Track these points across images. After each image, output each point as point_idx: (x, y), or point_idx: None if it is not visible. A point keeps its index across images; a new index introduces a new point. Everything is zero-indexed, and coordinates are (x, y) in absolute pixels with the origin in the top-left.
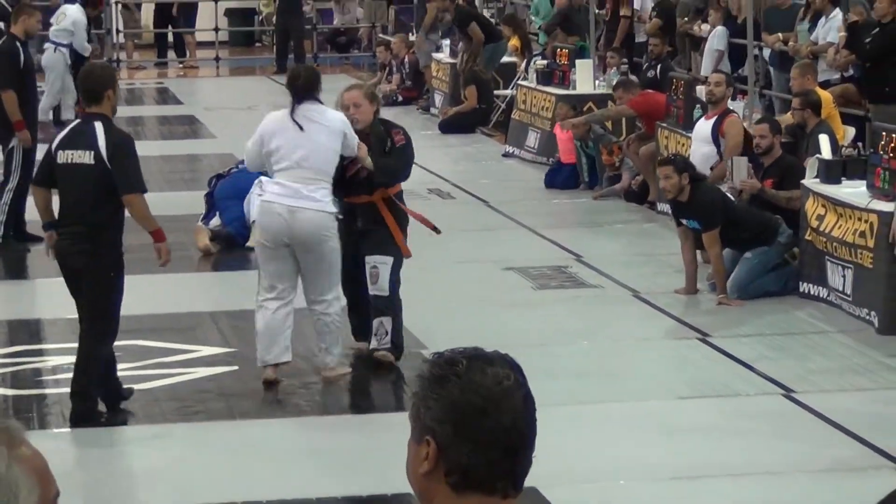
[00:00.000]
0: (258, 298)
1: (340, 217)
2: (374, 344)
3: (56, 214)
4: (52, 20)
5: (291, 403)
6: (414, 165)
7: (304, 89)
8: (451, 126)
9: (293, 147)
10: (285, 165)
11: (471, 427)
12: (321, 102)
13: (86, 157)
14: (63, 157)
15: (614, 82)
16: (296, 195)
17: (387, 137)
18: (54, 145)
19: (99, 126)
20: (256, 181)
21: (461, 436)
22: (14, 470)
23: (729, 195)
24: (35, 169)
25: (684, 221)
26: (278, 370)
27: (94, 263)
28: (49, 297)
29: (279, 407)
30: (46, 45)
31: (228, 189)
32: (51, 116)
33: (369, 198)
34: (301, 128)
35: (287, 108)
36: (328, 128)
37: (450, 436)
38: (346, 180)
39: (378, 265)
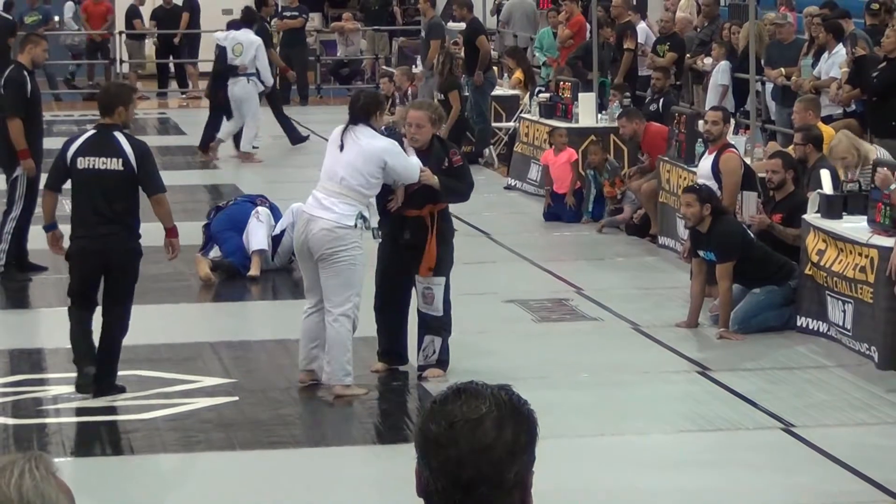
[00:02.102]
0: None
1: (378, 237)
2: (420, 360)
3: (75, 216)
4: (230, 52)
5: (293, 434)
6: None
7: (358, 112)
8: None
9: (332, 163)
10: (322, 178)
11: (427, 454)
12: (373, 128)
13: (114, 164)
14: (85, 163)
15: (616, 116)
16: (317, 205)
17: (444, 156)
18: (71, 153)
19: (120, 136)
20: (253, 212)
21: (423, 461)
22: (61, 498)
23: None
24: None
25: (701, 253)
26: (313, 374)
27: (134, 258)
28: (50, 326)
29: (280, 437)
30: (233, 78)
31: (225, 221)
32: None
33: (418, 212)
34: (342, 147)
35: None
36: (365, 152)
37: (418, 460)
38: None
39: (433, 287)
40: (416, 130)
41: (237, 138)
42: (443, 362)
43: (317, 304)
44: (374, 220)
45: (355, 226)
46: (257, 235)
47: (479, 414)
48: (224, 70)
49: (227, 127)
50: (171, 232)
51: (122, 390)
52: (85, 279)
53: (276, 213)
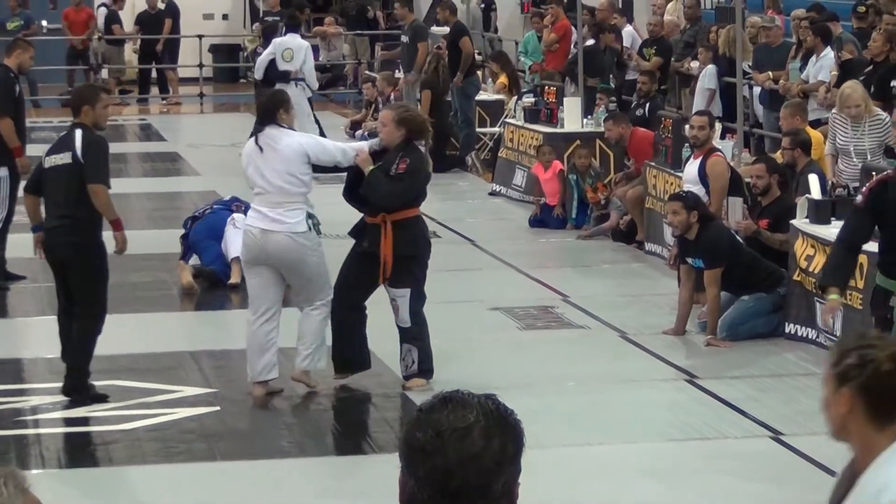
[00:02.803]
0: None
1: (319, 232)
2: (402, 370)
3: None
4: (279, 58)
5: (275, 445)
6: None
7: (263, 114)
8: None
9: (259, 172)
10: (256, 191)
11: (413, 463)
12: (283, 126)
13: (66, 158)
14: (49, 161)
15: (602, 121)
16: (265, 219)
17: (394, 163)
18: (45, 154)
19: (79, 132)
20: (229, 219)
21: (408, 470)
22: None
23: (738, 238)
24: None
25: (689, 260)
26: (268, 387)
27: (79, 252)
28: (29, 336)
29: (263, 448)
30: (282, 84)
31: (203, 231)
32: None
33: (374, 219)
34: (261, 150)
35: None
36: (287, 155)
37: (403, 469)
38: (362, 197)
39: (397, 299)
40: (381, 128)
41: None
42: (424, 371)
43: (264, 313)
44: (317, 218)
45: (309, 228)
46: (235, 243)
47: (467, 423)
48: (275, 77)
49: None
50: (114, 224)
51: (98, 399)
52: (55, 277)
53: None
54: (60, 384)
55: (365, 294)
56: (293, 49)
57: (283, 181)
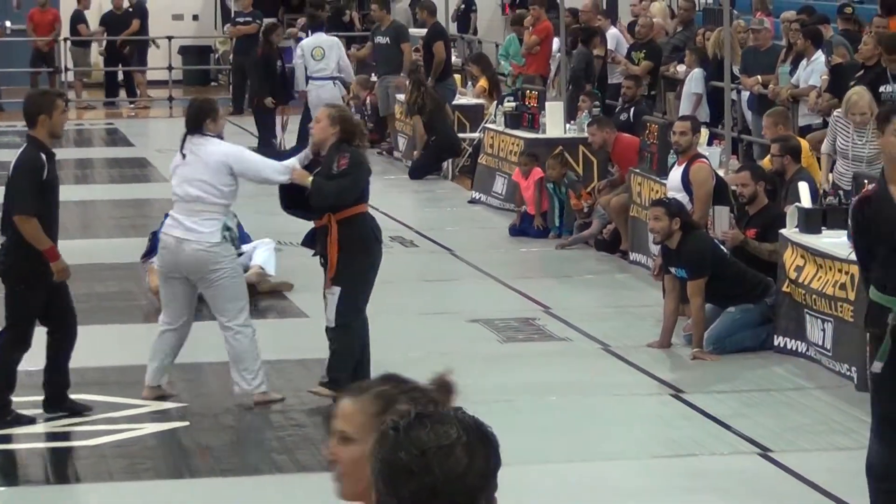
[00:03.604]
0: None
1: (238, 248)
2: (322, 375)
3: None
4: (310, 57)
5: (246, 461)
6: (376, 211)
7: (190, 122)
8: (420, 170)
9: (180, 180)
10: (175, 199)
11: (397, 484)
12: (209, 135)
13: (6, 176)
14: None
15: (585, 126)
16: (180, 227)
17: (334, 162)
18: None
19: (23, 149)
20: None
21: (390, 492)
22: None
23: (722, 248)
24: None
25: (672, 270)
26: (154, 392)
27: (10, 275)
28: None
29: (233, 465)
30: (317, 82)
31: None
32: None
33: (321, 221)
34: (184, 158)
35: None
36: (208, 163)
37: (382, 491)
38: (304, 204)
39: (328, 295)
40: (314, 124)
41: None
42: (332, 381)
43: (174, 321)
44: (236, 231)
45: (224, 239)
46: None
47: (451, 440)
48: (281, 74)
49: None
50: (47, 254)
51: (9, 420)
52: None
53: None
54: (24, 398)
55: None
56: (323, 47)
57: (199, 190)
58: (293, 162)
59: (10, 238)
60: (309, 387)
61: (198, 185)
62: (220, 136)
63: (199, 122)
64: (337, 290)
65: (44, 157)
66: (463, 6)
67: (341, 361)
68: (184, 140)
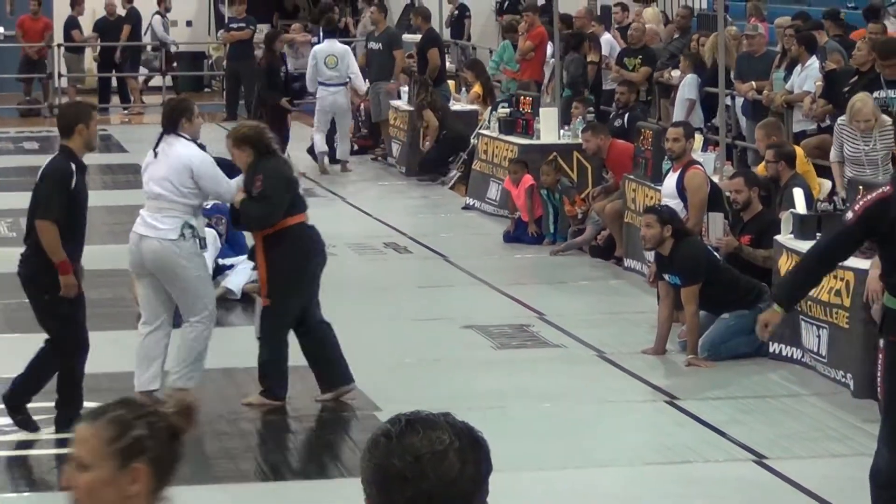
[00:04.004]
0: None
1: (204, 247)
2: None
3: None
4: (323, 65)
5: (239, 468)
6: (369, 217)
7: (165, 122)
8: (431, 163)
9: (148, 178)
10: (144, 196)
11: (391, 491)
12: (182, 135)
13: (34, 184)
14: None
15: (580, 132)
16: (143, 224)
17: (252, 184)
18: None
19: (55, 158)
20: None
21: (384, 499)
22: None
23: (715, 254)
24: None
25: (666, 277)
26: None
27: (27, 283)
28: None
29: (226, 472)
30: (331, 88)
31: None
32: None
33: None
34: (156, 156)
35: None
36: (173, 163)
37: (375, 498)
38: None
39: (256, 307)
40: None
41: (313, 150)
42: (268, 392)
43: (152, 321)
44: (202, 230)
45: (182, 236)
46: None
47: (444, 445)
48: (285, 81)
49: (342, 146)
50: (60, 268)
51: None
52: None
53: (239, 238)
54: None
55: (304, 314)
56: (336, 56)
57: (161, 187)
58: (238, 181)
59: (30, 247)
60: (315, 394)
61: (161, 183)
62: (196, 138)
63: (174, 121)
64: (262, 301)
65: (73, 167)
66: (456, 12)
67: (270, 372)
68: (159, 139)
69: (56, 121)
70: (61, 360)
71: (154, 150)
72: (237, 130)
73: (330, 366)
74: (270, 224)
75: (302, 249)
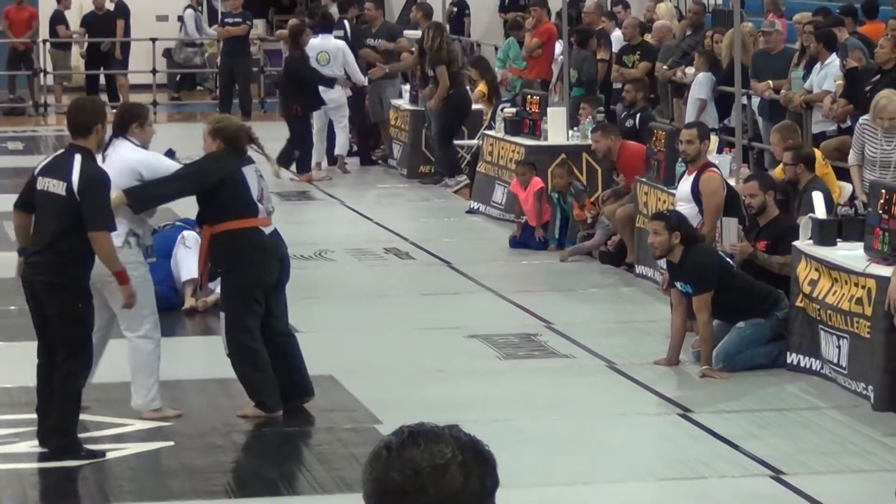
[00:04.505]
0: None
1: (151, 254)
2: None
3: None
4: (315, 62)
5: (233, 483)
6: (369, 221)
7: (115, 126)
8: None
9: None
10: None
11: None
12: (131, 140)
13: (59, 188)
14: (42, 183)
15: (589, 133)
16: None
17: None
18: (37, 170)
19: (77, 159)
20: (179, 237)
21: None
22: None
23: (728, 260)
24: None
25: (678, 285)
26: None
27: (55, 293)
28: None
29: (220, 486)
30: (322, 87)
31: (157, 246)
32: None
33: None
34: (104, 160)
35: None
36: (119, 167)
37: None
38: None
39: (222, 320)
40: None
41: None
42: (260, 404)
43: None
44: (149, 238)
45: (127, 244)
46: (187, 263)
47: (445, 459)
48: (310, 80)
49: (339, 140)
50: (119, 278)
51: (94, 456)
52: (31, 312)
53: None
54: (14, 416)
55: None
56: (329, 52)
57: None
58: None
59: (55, 255)
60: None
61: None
62: (146, 145)
63: (124, 125)
64: (223, 314)
65: None
66: (455, 10)
67: (255, 384)
68: (108, 143)
69: (71, 118)
70: (76, 372)
71: (103, 154)
72: (218, 120)
73: (287, 378)
74: (156, 195)
75: (243, 255)
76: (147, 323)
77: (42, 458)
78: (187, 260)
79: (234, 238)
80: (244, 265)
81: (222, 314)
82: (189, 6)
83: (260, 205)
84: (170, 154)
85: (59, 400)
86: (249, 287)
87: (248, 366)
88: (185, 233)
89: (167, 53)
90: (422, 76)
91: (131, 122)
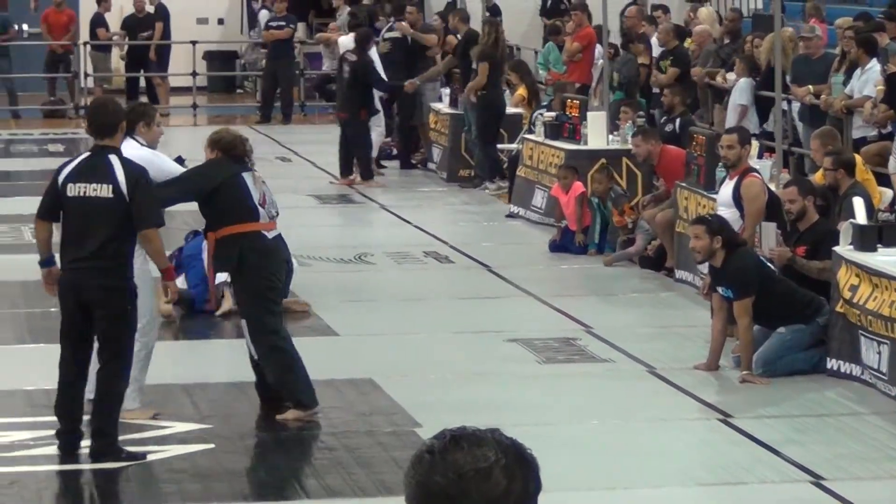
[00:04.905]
0: None
1: None
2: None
3: (60, 246)
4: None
5: (275, 486)
6: (409, 225)
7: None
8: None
9: None
10: None
11: None
12: (137, 139)
13: (104, 191)
14: (75, 189)
15: (629, 137)
16: None
17: None
18: (62, 178)
19: (115, 160)
20: (203, 244)
21: None
22: None
23: (770, 265)
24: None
25: (719, 289)
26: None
27: (112, 296)
28: (7, 366)
29: (261, 489)
30: None
31: (196, 247)
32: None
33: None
34: None
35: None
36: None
37: None
38: None
39: (244, 326)
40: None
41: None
42: (299, 404)
43: None
44: None
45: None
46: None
47: (489, 463)
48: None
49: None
50: (166, 273)
51: (134, 458)
52: (67, 318)
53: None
54: (40, 418)
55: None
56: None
57: None
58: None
59: (106, 258)
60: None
61: None
62: (153, 145)
63: (130, 124)
64: (244, 321)
65: None
66: (488, 14)
67: (289, 384)
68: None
69: (95, 119)
70: (119, 374)
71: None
72: (216, 132)
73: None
74: (161, 199)
75: (248, 260)
76: (143, 319)
77: (79, 460)
78: None
79: (236, 242)
80: (248, 269)
81: (243, 322)
82: (263, 7)
83: (261, 209)
84: (179, 161)
85: (102, 402)
86: (261, 290)
87: (279, 368)
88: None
89: (207, 56)
90: (461, 77)
91: (137, 122)
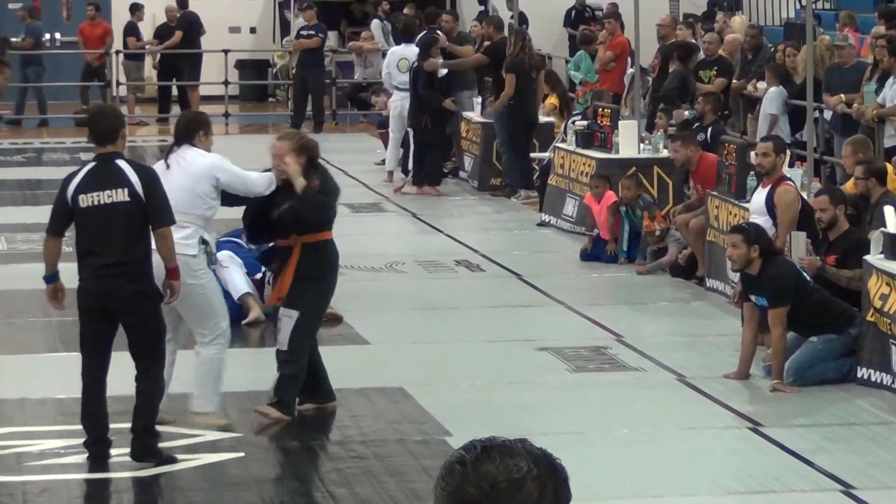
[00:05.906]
0: None
1: (214, 262)
2: (271, 396)
3: (78, 258)
4: (396, 69)
5: (304, 494)
6: (440, 233)
7: (181, 133)
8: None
9: None
10: None
11: None
12: (194, 146)
13: (121, 195)
14: (88, 200)
15: (661, 146)
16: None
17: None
18: (71, 191)
19: (123, 164)
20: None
21: None
22: None
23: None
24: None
25: (753, 298)
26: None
27: (140, 301)
28: (36, 374)
29: (290, 498)
30: (402, 93)
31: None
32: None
33: (286, 241)
34: (168, 167)
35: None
36: (192, 172)
37: None
38: (273, 223)
39: (282, 317)
40: (277, 161)
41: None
42: (283, 404)
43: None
44: (213, 245)
45: (199, 253)
46: (233, 280)
47: (521, 473)
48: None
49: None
50: (171, 273)
51: (168, 461)
52: (89, 327)
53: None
54: (71, 427)
55: None
56: (409, 59)
57: (182, 198)
58: (271, 175)
59: (131, 263)
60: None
61: (180, 193)
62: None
63: (190, 133)
64: (294, 314)
65: None
66: (513, 23)
67: (290, 386)
68: (170, 151)
69: (96, 126)
70: (159, 375)
71: (165, 161)
72: (299, 136)
73: (315, 382)
74: (322, 220)
75: (329, 265)
76: (220, 328)
77: (108, 468)
78: (233, 277)
79: (323, 248)
80: (326, 276)
81: (282, 312)
82: (375, 16)
83: None
84: None
85: (149, 402)
86: (328, 296)
87: (295, 370)
88: (219, 254)
89: (239, 64)
90: (493, 86)
91: (198, 130)
